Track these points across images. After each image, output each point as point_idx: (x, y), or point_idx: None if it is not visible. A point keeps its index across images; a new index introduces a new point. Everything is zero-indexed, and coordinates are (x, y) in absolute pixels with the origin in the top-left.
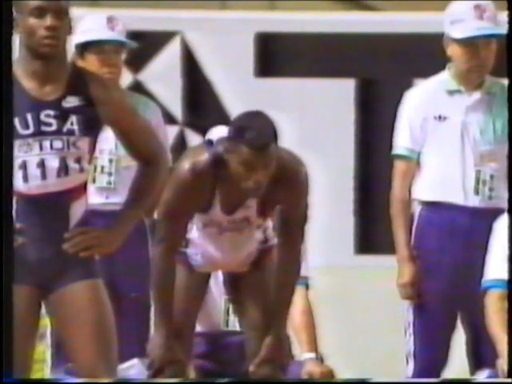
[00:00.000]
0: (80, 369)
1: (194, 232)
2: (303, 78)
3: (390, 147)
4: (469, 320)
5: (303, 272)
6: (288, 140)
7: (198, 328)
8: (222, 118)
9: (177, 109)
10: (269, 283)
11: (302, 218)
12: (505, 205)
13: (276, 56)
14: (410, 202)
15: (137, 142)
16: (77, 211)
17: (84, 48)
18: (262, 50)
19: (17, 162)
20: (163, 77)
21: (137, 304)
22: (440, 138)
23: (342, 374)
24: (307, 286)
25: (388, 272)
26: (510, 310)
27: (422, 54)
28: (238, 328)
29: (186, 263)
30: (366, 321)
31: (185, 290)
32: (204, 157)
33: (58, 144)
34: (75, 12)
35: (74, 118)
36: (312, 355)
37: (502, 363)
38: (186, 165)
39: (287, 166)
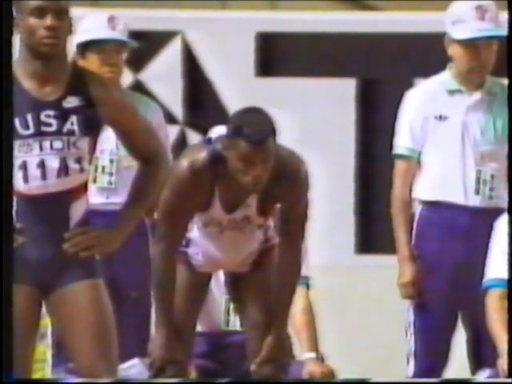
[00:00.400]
0: (81, 368)
1: (195, 231)
2: (304, 77)
3: (391, 147)
4: (469, 319)
5: (304, 272)
6: (289, 140)
7: (199, 328)
8: (222, 117)
9: (177, 108)
10: (270, 283)
11: (302, 217)
12: (505, 205)
13: (277, 56)
14: (411, 202)
15: (137, 141)
16: (77, 211)
17: (85, 47)
18: (262, 50)
19: (17, 163)
20: (164, 76)
21: (137, 304)
22: (440, 138)
23: (342, 374)
24: (308, 286)
25: (388, 271)
26: (511, 310)
27: (423, 54)
28: (238, 328)
29: (187, 263)
30: (366, 320)
31: (186, 290)
32: (202, 154)
33: (58, 144)
34: (76, 12)
35: (74, 118)
36: (312, 355)
37: (503, 363)
38: (184, 163)
39: (287, 163)
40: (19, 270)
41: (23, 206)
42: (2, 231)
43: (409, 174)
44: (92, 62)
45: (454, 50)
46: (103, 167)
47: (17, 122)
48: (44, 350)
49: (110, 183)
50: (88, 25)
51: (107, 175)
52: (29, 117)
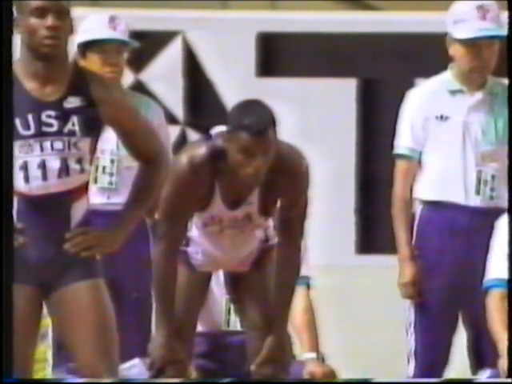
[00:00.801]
0: (81, 368)
1: (195, 231)
2: (305, 77)
3: (392, 147)
4: (470, 319)
5: (304, 271)
6: (290, 139)
7: (199, 328)
8: (223, 117)
9: (178, 108)
10: (270, 283)
11: (301, 216)
12: (506, 205)
13: (277, 56)
14: (412, 202)
15: (138, 142)
16: (78, 211)
17: (86, 47)
18: (263, 50)
19: (18, 163)
20: (165, 76)
21: (138, 304)
22: (441, 138)
23: (343, 374)
24: (308, 286)
25: (389, 271)
26: (511, 310)
27: (424, 54)
28: (239, 328)
29: (187, 262)
30: (366, 320)
31: (186, 290)
32: (202, 150)
33: (58, 145)
34: (77, 12)
35: (75, 119)
36: (313, 355)
37: (503, 363)
38: (183, 158)
39: (287, 157)
40: (20, 270)
41: (24, 206)
42: (2, 231)
43: (409, 174)
44: (93, 62)
45: (455, 50)
46: (104, 167)
47: (18, 122)
48: (45, 349)
49: (111, 183)
50: (89, 25)
51: (108, 175)
52: (30, 117)
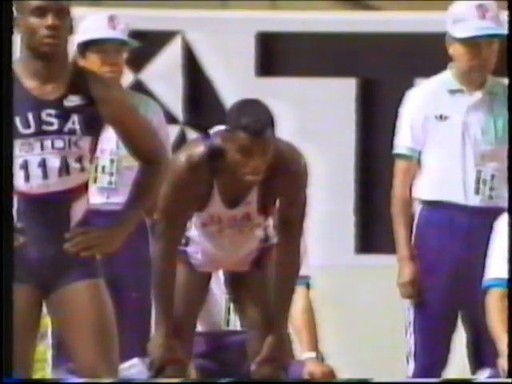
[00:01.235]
0: (81, 368)
1: (194, 230)
2: (305, 77)
3: (391, 146)
4: (469, 319)
5: (304, 271)
6: (289, 139)
7: (199, 327)
8: (222, 117)
9: (178, 108)
10: (270, 282)
11: (300, 215)
12: (505, 204)
13: (277, 55)
14: (411, 201)
15: (138, 141)
16: (78, 211)
17: (85, 47)
18: (263, 50)
19: (18, 162)
20: (164, 76)
21: (138, 304)
22: (441, 138)
23: (342, 374)
24: (308, 286)
25: (388, 271)
26: (511, 310)
27: (424, 54)
28: (238, 327)
29: (187, 262)
30: (366, 320)
31: (185, 290)
32: (200, 149)
33: (59, 143)
34: (76, 11)
35: (75, 118)
36: (313, 354)
37: (503, 363)
38: (181, 157)
39: (286, 156)
40: (20, 270)
41: (24, 205)
42: (2, 231)
43: (409, 174)
44: (92, 62)
45: (454, 49)
46: (103, 167)
47: (18, 121)
48: (44, 349)
49: (111, 183)
50: (88, 24)
51: (107, 175)
52: (30, 116)
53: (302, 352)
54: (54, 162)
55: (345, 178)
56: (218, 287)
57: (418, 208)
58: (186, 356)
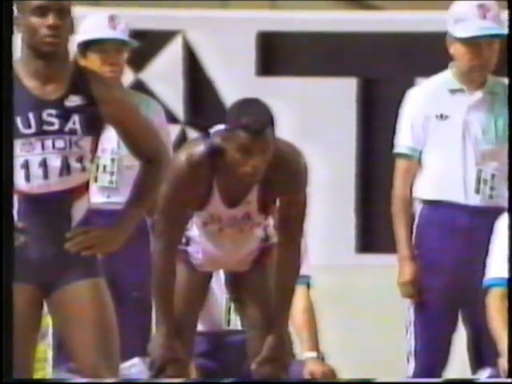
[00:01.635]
0: (82, 368)
1: (194, 230)
2: (305, 76)
3: (392, 146)
4: (470, 319)
5: (304, 271)
6: (290, 138)
7: (200, 327)
8: (223, 116)
9: (178, 108)
10: (270, 282)
11: (301, 214)
12: (506, 204)
13: (278, 55)
14: (412, 201)
15: (139, 141)
16: (79, 210)
17: (86, 47)
18: (263, 49)
19: (19, 162)
20: (165, 76)
21: (138, 303)
22: (441, 137)
23: (343, 373)
24: (308, 285)
25: (389, 271)
26: (511, 309)
27: (424, 53)
28: (239, 327)
29: (187, 262)
30: (366, 319)
31: (186, 289)
32: (200, 148)
33: (60, 143)
34: (77, 11)
35: (76, 118)
36: (313, 354)
37: (504, 362)
38: (181, 156)
39: (286, 155)
40: (20, 269)
41: (25, 205)
42: (2, 230)
43: (409, 173)
44: (93, 62)
45: (455, 49)
46: (104, 166)
47: (19, 120)
48: (45, 349)
49: (111, 182)
50: (89, 24)
51: (108, 174)
52: (31, 116)
53: (302, 352)
54: (55, 162)
55: (345, 177)
56: (219, 287)
57: (418, 207)
58: (187, 355)
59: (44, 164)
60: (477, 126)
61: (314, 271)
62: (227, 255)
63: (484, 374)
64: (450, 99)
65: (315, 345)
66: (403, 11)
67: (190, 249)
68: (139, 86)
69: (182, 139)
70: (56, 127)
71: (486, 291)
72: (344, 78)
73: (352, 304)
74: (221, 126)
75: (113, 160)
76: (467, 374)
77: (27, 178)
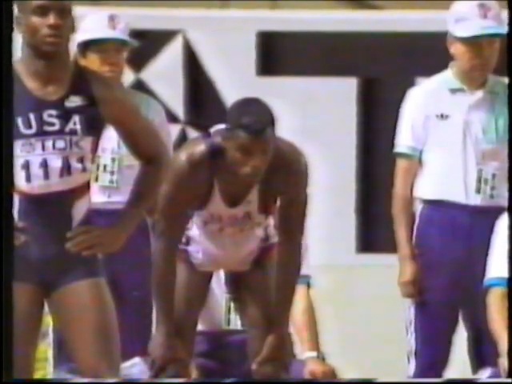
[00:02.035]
0: (82, 368)
1: (195, 230)
2: (305, 76)
3: (392, 146)
4: (470, 318)
5: (305, 271)
6: (290, 138)
7: (200, 327)
8: (223, 116)
9: (179, 107)
10: (270, 282)
11: (301, 214)
12: (506, 203)
13: (278, 55)
14: (412, 201)
15: (139, 140)
16: (79, 210)
17: (85, 47)
18: (264, 49)
19: (19, 162)
20: (165, 76)
21: (139, 303)
22: (442, 137)
23: (343, 373)
24: (309, 285)
25: (389, 270)
26: (511, 309)
27: (425, 53)
28: (239, 327)
29: (188, 262)
30: (367, 319)
31: (186, 289)
32: (200, 147)
33: (60, 144)
34: (77, 10)
35: (76, 118)
36: (313, 354)
37: (504, 362)
38: (182, 156)
39: (286, 155)
40: (21, 269)
41: (26, 205)
42: (2, 230)
43: (410, 173)
44: (93, 62)
45: (456, 49)
46: (105, 166)
47: (19, 121)
48: (45, 349)
49: (112, 182)
50: (89, 24)
51: (109, 174)
52: (31, 116)
53: (302, 351)
54: (56, 163)
55: (346, 177)
56: (219, 286)
57: (419, 207)
58: (187, 355)
59: (45, 164)
60: (477, 125)
61: (315, 271)
62: (227, 255)
63: (484, 374)
64: (450, 99)
65: (315, 344)
66: (403, 11)
67: (191, 248)
68: (139, 86)
69: (182, 139)
70: (56, 128)
71: (487, 291)
72: (344, 78)
73: (352, 304)
74: (221, 126)
75: (113, 159)
76: (468, 373)
77: (28, 178)
